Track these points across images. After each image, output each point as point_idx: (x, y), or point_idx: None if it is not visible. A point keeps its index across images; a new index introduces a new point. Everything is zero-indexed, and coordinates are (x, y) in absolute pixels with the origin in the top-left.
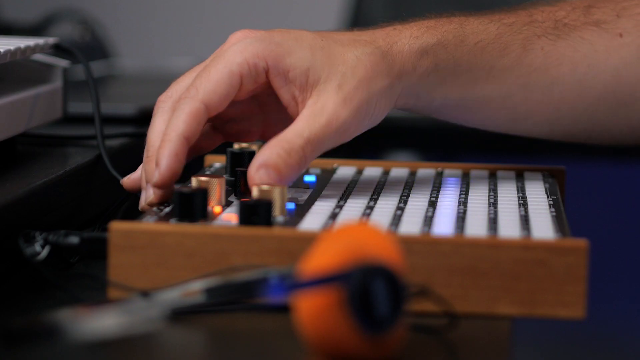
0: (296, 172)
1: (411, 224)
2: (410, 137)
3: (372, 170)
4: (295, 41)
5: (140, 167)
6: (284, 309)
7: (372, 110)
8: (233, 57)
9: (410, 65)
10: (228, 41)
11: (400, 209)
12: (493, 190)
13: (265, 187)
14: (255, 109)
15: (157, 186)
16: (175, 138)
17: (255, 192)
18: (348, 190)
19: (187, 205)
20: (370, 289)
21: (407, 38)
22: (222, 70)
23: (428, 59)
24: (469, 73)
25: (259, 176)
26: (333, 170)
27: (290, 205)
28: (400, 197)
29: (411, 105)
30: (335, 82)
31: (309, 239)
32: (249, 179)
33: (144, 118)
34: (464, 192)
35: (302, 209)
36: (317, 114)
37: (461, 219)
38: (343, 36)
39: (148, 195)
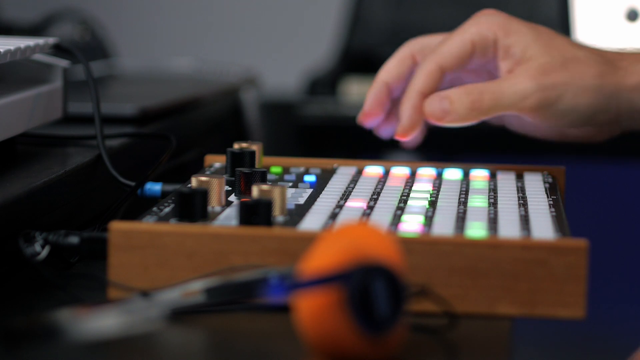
0: (467, 111)
1: (412, 224)
2: None
3: (372, 170)
4: (525, 24)
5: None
6: (284, 309)
7: (565, 100)
8: (469, 27)
9: (631, 81)
10: (472, 17)
11: (400, 209)
12: (493, 190)
13: (265, 187)
14: None
15: (399, 136)
16: (414, 93)
17: (255, 192)
18: (348, 190)
19: (187, 205)
20: (370, 289)
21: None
22: (457, 38)
23: None
24: None
25: (431, 102)
26: (333, 170)
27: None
28: (400, 197)
29: (614, 119)
30: (541, 61)
31: (309, 239)
32: (424, 107)
33: (144, 118)
34: (464, 192)
35: (302, 209)
36: (507, 77)
37: (461, 219)
38: (579, 45)
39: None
